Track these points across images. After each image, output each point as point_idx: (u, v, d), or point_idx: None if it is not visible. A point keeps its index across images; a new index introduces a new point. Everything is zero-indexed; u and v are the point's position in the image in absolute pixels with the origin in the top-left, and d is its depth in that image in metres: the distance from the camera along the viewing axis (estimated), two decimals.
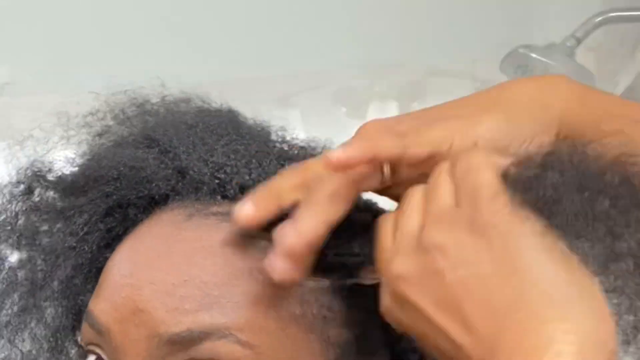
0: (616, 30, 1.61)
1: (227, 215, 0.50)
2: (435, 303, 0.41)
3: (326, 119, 2.24)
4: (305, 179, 0.49)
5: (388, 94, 2.18)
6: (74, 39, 2.02)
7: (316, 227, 0.46)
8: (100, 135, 0.58)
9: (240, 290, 0.48)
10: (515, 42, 1.50)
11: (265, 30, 2.02)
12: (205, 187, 0.52)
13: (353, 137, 0.50)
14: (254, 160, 0.54)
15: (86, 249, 0.54)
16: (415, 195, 0.46)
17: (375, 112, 2.16)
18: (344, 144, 0.46)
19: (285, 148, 0.57)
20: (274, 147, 0.56)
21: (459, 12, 1.95)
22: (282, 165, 0.54)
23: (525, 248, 0.40)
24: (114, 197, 0.54)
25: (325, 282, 0.51)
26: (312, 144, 0.59)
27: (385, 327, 0.49)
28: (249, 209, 0.48)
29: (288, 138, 0.59)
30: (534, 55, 1.45)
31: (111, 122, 0.59)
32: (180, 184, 0.53)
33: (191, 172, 0.53)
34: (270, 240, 0.48)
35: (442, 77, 2.18)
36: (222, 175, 0.52)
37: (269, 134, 0.58)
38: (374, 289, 0.48)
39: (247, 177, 0.53)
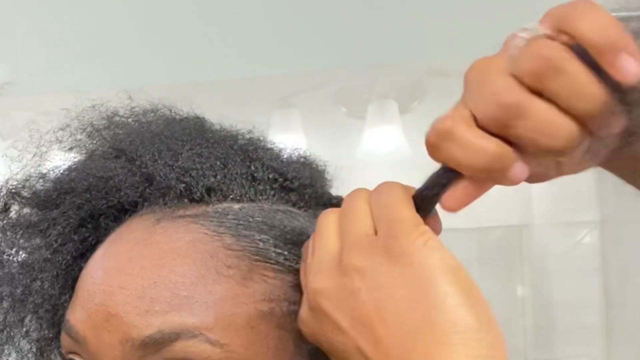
0: None
1: (195, 217, 0.52)
2: (351, 319, 0.45)
3: (326, 119, 2.25)
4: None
5: (388, 94, 2.18)
6: (74, 39, 2.03)
7: None
8: (71, 149, 0.59)
9: (209, 290, 0.49)
10: None
11: (265, 31, 2.02)
12: (172, 192, 0.54)
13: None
14: (218, 163, 0.55)
15: (61, 260, 0.56)
16: (330, 218, 0.50)
17: (375, 112, 2.17)
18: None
19: (251, 149, 0.57)
20: (239, 149, 0.57)
21: (459, 12, 1.95)
22: (247, 166, 0.56)
23: (436, 278, 0.43)
24: (85, 207, 0.55)
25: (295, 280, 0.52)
26: (280, 145, 0.60)
27: None
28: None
29: (254, 140, 0.60)
30: None
31: (81, 136, 0.60)
32: (147, 190, 0.54)
33: (158, 177, 0.54)
34: (236, 235, 0.51)
35: (442, 77, 2.18)
36: (188, 179, 0.54)
37: (235, 136, 0.59)
38: None
39: (212, 179, 0.54)
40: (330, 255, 0.47)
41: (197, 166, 0.54)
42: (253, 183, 0.55)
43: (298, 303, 0.50)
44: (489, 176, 0.44)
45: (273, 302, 0.50)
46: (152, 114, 0.60)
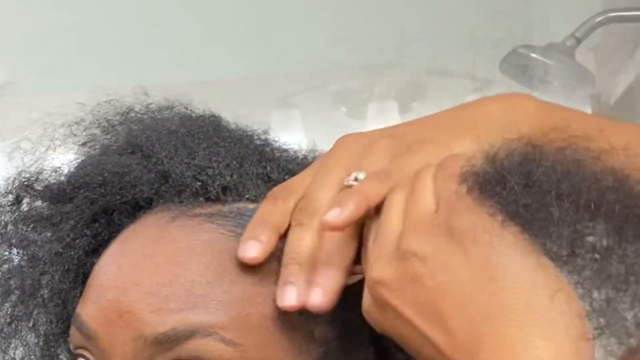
0: (616, 30, 1.61)
1: (211, 216, 0.52)
2: (415, 308, 0.42)
3: (326, 119, 2.24)
4: (297, 204, 0.50)
5: (388, 94, 2.18)
6: (74, 40, 2.02)
7: (339, 282, 0.48)
8: (85, 144, 0.59)
9: (225, 289, 0.49)
10: (515, 42, 1.50)
11: (265, 31, 2.02)
12: (188, 190, 0.53)
13: (330, 156, 0.51)
14: (234, 162, 0.55)
15: (73, 254, 0.55)
16: (396, 198, 0.47)
17: (375, 112, 2.16)
18: (337, 206, 0.46)
19: (267, 150, 0.58)
20: (255, 149, 0.57)
21: (459, 12, 1.95)
22: (264, 166, 0.55)
23: (502, 255, 0.41)
24: (99, 202, 0.55)
25: None
26: (295, 146, 0.60)
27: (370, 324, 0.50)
28: (255, 250, 0.49)
29: (270, 140, 0.60)
30: (534, 55, 1.45)
31: (96, 131, 0.59)
32: (163, 187, 0.54)
33: (174, 175, 0.54)
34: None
35: (442, 77, 2.18)
36: (204, 178, 0.53)
37: (251, 136, 0.59)
38: (358, 286, 0.48)
39: (228, 178, 0.53)
40: (390, 239, 0.45)
41: (213, 165, 0.54)
42: (268, 184, 0.54)
43: None
44: (255, 228, 0.50)
45: None
46: (168, 111, 0.60)
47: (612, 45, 1.69)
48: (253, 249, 0.49)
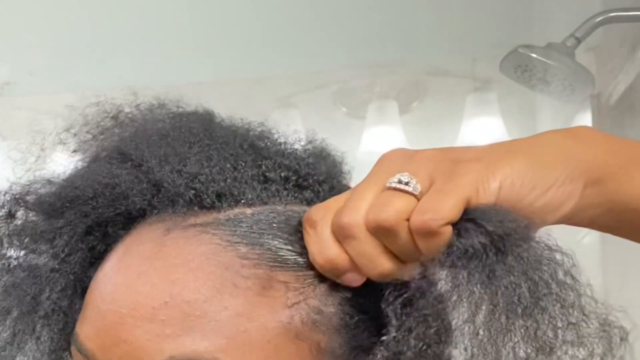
0: (616, 30, 1.61)
1: (206, 226, 0.50)
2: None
3: (326, 119, 2.24)
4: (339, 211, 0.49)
5: (388, 94, 2.18)
6: (74, 39, 2.03)
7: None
8: (75, 151, 0.58)
9: (224, 305, 0.48)
10: (515, 42, 1.50)
11: (265, 31, 2.02)
12: (181, 199, 0.52)
13: (372, 169, 0.49)
14: (228, 165, 0.53)
15: (69, 270, 0.54)
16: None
17: (375, 112, 2.17)
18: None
19: (262, 145, 0.55)
20: (250, 146, 0.55)
21: (459, 12, 1.95)
22: (259, 166, 0.53)
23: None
24: (92, 215, 0.53)
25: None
26: (293, 137, 0.57)
27: (378, 329, 0.49)
28: (354, 281, 0.48)
29: (266, 133, 0.57)
30: (534, 55, 1.45)
31: (85, 137, 0.58)
32: (155, 198, 0.52)
33: (165, 184, 0.52)
34: (251, 244, 0.49)
35: (442, 77, 2.18)
36: (197, 185, 0.51)
37: (245, 132, 0.57)
38: (367, 287, 0.48)
39: (222, 184, 0.52)
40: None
41: (205, 171, 0.52)
42: (265, 185, 0.53)
43: (319, 310, 0.49)
44: (327, 274, 0.48)
45: (293, 309, 0.49)
46: (159, 110, 0.58)
47: (612, 45, 1.69)
48: (352, 282, 0.48)
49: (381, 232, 0.45)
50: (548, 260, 0.44)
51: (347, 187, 0.55)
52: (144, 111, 0.58)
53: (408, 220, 0.45)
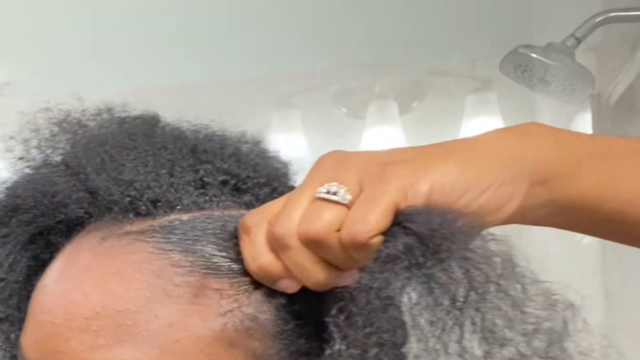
0: (616, 30, 1.61)
1: (141, 234, 0.50)
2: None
3: (326, 119, 2.24)
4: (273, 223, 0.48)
5: (388, 94, 2.19)
6: (74, 40, 2.03)
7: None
8: (21, 158, 0.57)
9: (155, 314, 0.47)
10: (515, 42, 1.50)
11: (266, 31, 2.02)
12: (117, 207, 0.51)
13: (306, 176, 0.49)
14: (164, 171, 0.52)
15: (14, 279, 0.54)
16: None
17: (375, 112, 2.17)
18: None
19: (201, 149, 0.54)
20: (189, 151, 0.54)
21: (459, 12, 1.95)
22: (196, 171, 0.53)
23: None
24: (34, 224, 0.53)
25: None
26: (238, 139, 0.57)
27: (318, 333, 0.49)
28: (289, 288, 0.48)
29: (211, 135, 0.57)
30: (534, 55, 1.45)
31: (30, 145, 0.58)
32: (92, 206, 0.52)
33: (101, 192, 0.52)
34: (184, 251, 0.49)
35: (442, 77, 2.18)
36: (132, 192, 0.51)
37: (186, 137, 0.56)
38: (304, 292, 0.48)
39: (157, 190, 0.51)
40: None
41: (141, 177, 0.52)
42: (202, 190, 0.52)
43: (253, 317, 0.49)
44: (262, 280, 0.48)
45: (226, 316, 0.48)
46: (105, 115, 0.58)
47: (612, 45, 1.69)
48: (287, 288, 0.48)
49: (313, 244, 0.45)
50: (483, 250, 0.44)
51: (291, 189, 0.54)
52: (90, 117, 0.57)
53: (339, 230, 0.45)
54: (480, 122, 2.08)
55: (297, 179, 0.57)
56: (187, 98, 2.29)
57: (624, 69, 1.56)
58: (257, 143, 0.57)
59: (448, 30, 2.00)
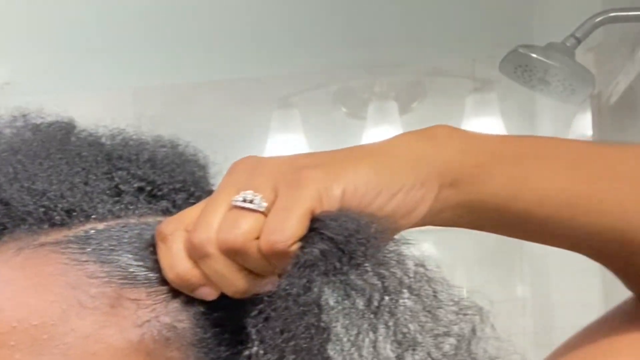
0: (616, 30, 1.61)
1: (56, 245, 0.49)
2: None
3: (326, 119, 2.24)
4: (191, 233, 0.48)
5: (388, 94, 2.19)
6: (74, 40, 2.03)
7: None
8: None
9: (71, 327, 0.47)
10: (515, 42, 1.50)
11: (265, 31, 2.02)
12: (31, 218, 0.50)
13: (221, 182, 0.49)
14: (78, 180, 0.52)
15: None
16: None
17: (375, 112, 2.17)
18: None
19: (116, 155, 0.54)
20: (105, 157, 0.54)
21: (459, 12, 1.95)
22: (111, 178, 0.52)
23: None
24: None
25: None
26: (155, 143, 0.56)
27: (240, 340, 0.49)
28: (206, 295, 0.48)
29: (127, 140, 0.56)
30: (534, 55, 1.45)
31: None
32: (6, 217, 0.51)
33: (14, 203, 0.51)
34: (100, 261, 0.49)
35: (442, 77, 2.18)
36: (46, 202, 0.50)
37: (102, 143, 0.55)
38: (224, 300, 0.48)
39: (72, 200, 0.51)
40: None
41: (54, 187, 0.51)
42: (118, 197, 0.52)
43: (171, 326, 0.49)
44: (180, 289, 0.47)
45: (144, 327, 0.48)
46: (20, 122, 0.56)
47: (612, 45, 1.69)
48: (206, 296, 0.48)
49: (232, 253, 0.45)
50: (397, 254, 0.44)
51: (209, 193, 0.54)
52: (4, 124, 0.56)
53: (258, 238, 0.45)
54: (480, 122, 2.08)
55: None
56: (187, 98, 2.29)
57: (624, 69, 1.56)
58: (174, 147, 0.57)
59: (448, 30, 2.00)
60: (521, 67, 1.49)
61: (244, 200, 0.45)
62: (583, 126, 1.75)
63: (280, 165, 0.47)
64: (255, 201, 0.45)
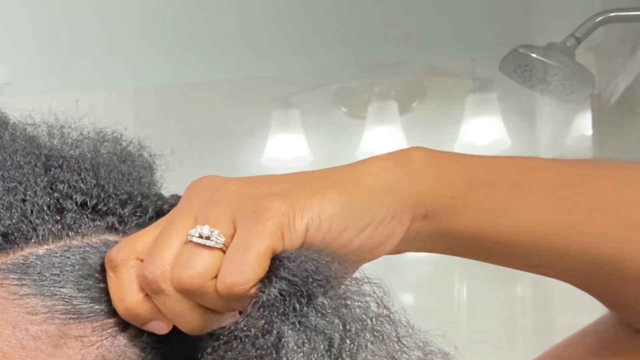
0: (616, 30, 1.61)
1: None
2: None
3: (326, 119, 2.25)
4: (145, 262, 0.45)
5: (388, 94, 2.18)
6: (74, 40, 2.03)
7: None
8: None
9: None
10: (515, 42, 1.50)
11: (265, 31, 2.02)
12: None
13: (177, 207, 0.46)
14: (15, 197, 0.46)
15: None
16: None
17: (375, 112, 2.17)
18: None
19: (56, 164, 0.48)
20: (42, 167, 0.48)
21: (459, 12, 1.95)
22: (51, 192, 0.47)
23: None
24: None
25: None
26: (88, 133, 0.51)
27: None
28: (159, 329, 0.45)
29: (65, 142, 0.50)
30: (534, 55, 1.45)
31: None
32: None
33: None
34: (41, 294, 0.44)
35: (442, 77, 2.18)
36: None
37: (39, 147, 0.50)
38: (176, 333, 0.45)
39: (8, 222, 0.45)
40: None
41: None
42: (59, 215, 0.47)
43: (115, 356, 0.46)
44: (130, 322, 0.45)
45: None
46: None
47: (612, 45, 1.69)
48: (158, 330, 0.45)
49: (188, 292, 0.42)
50: (358, 294, 0.42)
51: (157, 199, 0.51)
52: None
53: (215, 276, 0.42)
54: (480, 122, 2.08)
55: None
56: (187, 98, 2.29)
57: (624, 69, 1.56)
58: (117, 143, 0.52)
59: (448, 30, 2.00)
60: (521, 67, 1.49)
61: (200, 237, 0.42)
62: (583, 126, 1.76)
63: (240, 192, 0.44)
64: (212, 237, 0.42)
